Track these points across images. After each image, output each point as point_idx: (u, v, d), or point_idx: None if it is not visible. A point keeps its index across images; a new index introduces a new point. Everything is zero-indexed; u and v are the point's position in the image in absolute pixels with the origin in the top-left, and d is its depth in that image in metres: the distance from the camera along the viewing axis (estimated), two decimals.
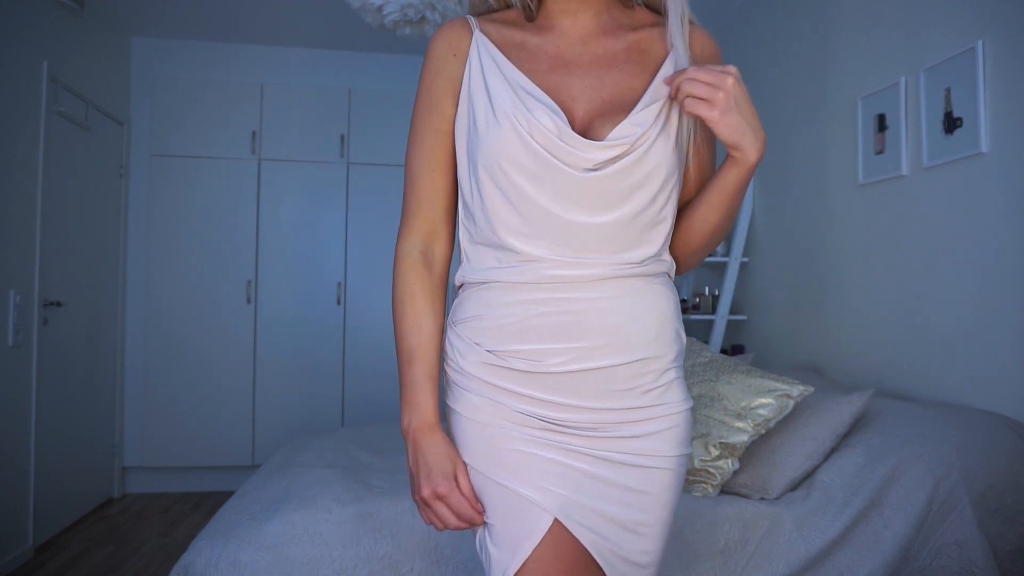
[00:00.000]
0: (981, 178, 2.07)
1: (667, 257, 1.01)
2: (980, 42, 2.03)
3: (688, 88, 0.89)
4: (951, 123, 2.16)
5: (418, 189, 1.03)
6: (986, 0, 2.06)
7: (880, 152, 2.48)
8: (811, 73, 2.91)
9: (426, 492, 0.95)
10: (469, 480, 0.96)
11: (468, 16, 1.06)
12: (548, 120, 0.93)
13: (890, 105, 2.42)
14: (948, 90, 2.17)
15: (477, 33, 1.03)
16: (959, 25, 2.14)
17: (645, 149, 0.94)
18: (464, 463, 0.97)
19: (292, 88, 4.25)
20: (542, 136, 0.93)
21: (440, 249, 1.04)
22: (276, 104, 4.21)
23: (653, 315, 0.97)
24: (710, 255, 1.06)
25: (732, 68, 0.89)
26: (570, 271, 0.94)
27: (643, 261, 0.97)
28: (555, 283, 0.94)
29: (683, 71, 0.92)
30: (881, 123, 2.47)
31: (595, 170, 0.93)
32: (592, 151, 0.93)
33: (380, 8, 2.40)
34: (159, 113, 4.09)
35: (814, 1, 2.90)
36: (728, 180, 0.95)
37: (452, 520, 0.95)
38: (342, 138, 4.26)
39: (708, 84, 0.88)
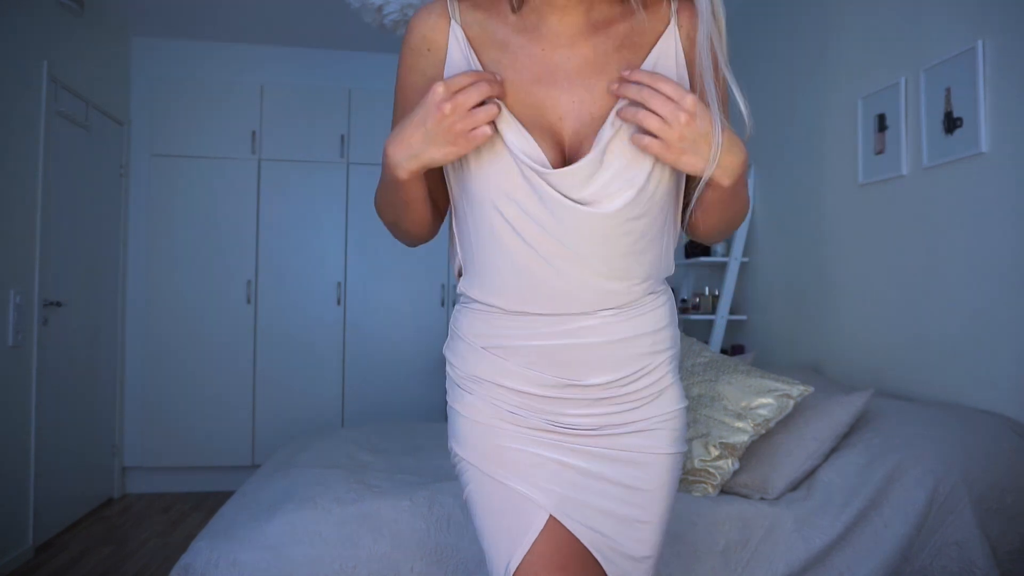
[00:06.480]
0: (981, 178, 2.07)
1: (661, 269, 1.00)
2: (980, 42, 2.03)
3: (640, 119, 0.84)
4: (951, 123, 2.16)
5: None
6: (986, 0, 2.06)
7: (880, 152, 2.48)
8: (811, 73, 2.91)
9: (440, 89, 0.86)
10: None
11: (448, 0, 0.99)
12: (525, 154, 0.90)
13: (890, 105, 2.42)
14: (948, 90, 2.17)
15: (455, 27, 0.97)
16: (959, 25, 2.14)
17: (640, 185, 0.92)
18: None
19: (292, 88, 4.25)
20: (525, 167, 0.90)
21: None
22: (276, 104, 4.21)
23: (646, 330, 0.97)
24: (730, 233, 1.04)
25: (688, 103, 0.83)
26: (559, 298, 0.93)
27: (631, 287, 0.95)
28: (547, 311, 0.94)
29: (634, 78, 0.85)
30: (881, 123, 2.47)
31: (580, 203, 0.90)
32: (575, 190, 0.90)
33: (380, 8, 2.40)
34: (159, 113, 4.09)
35: (814, 1, 2.90)
36: (709, 198, 0.93)
37: (483, 87, 0.86)
38: (342, 138, 4.26)
39: (660, 118, 0.83)
